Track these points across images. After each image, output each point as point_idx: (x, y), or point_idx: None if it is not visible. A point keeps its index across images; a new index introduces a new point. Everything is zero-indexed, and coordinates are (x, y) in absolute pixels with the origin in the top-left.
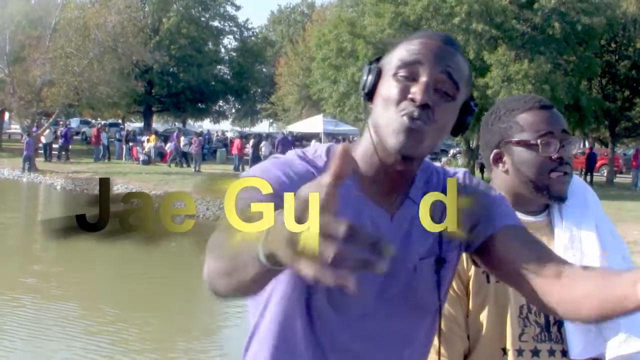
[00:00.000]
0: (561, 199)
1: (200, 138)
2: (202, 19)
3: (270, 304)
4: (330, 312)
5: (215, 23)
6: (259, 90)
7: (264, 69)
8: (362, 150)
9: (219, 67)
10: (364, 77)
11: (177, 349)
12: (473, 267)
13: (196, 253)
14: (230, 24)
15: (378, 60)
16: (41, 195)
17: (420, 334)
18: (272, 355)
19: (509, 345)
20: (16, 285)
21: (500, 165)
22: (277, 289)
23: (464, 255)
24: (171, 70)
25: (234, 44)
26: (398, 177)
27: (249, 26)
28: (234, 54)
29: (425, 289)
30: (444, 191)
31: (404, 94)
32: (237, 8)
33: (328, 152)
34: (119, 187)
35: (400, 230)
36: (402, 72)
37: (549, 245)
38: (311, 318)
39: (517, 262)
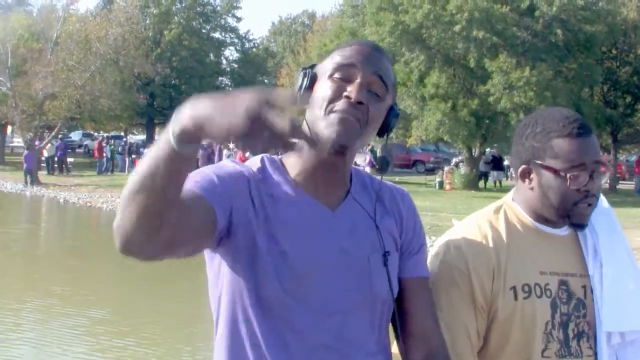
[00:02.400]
0: (581, 227)
1: (205, 151)
2: (204, 30)
3: (222, 301)
4: (290, 303)
5: (217, 34)
6: None
7: (265, 80)
8: (304, 155)
9: (221, 78)
10: (300, 81)
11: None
12: (502, 283)
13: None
14: (232, 36)
15: (313, 67)
16: (44, 208)
17: (376, 332)
18: (228, 351)
19: None
20: (21, 295)
21: (527, 181)
22: (226, 286)
23: (489, 269)
24: (173, 82)
25: (236, 55)
26: (335, 174)
27: (250, 37)
28: (236, 66)
29: (378, 281)
30: (379, 194)
31: (339, 93)
32: (238, 19)
33: (262, 160)
34: None
35: (344, 222)
36: (337, 74)
37: (574, 258)
38: (264, 310)
39: (411, 315)
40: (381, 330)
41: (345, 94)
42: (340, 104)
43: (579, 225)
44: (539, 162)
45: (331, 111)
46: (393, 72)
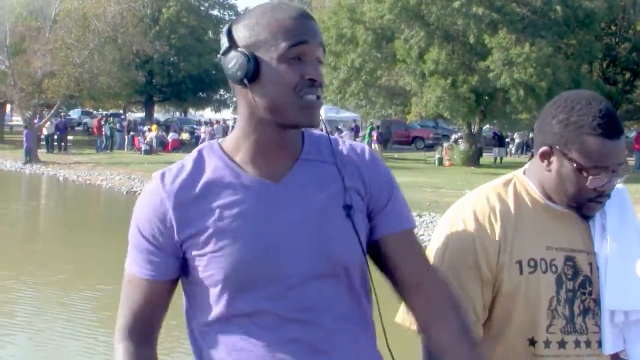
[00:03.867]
0: (588, 218)
1: (210, 127)
2: (202, 8)
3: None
4: (250, 285)
5: (215, 12)
6: None
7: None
8: (241, 131)
9: (219, 55)
10: (241, 62)
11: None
12: (507, 257)
13: None
14: (230, 13)
15: (230, 32)
16: (44, 186)
17: (344, 297)
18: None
19: (536, 337)
20: (21, 272)
21: (546, 162)
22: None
23: (495, 242)
24: (171, 59)
25: None
26: (282, 145)
27: None
28: None
29: (339, 245)
30: (339, 154)
31: (299, 75)
32: None
33: (200, 151)
34: (121, 177)
35: (291, 190)
36: (291, 55)
37: (582, 235)
38: (229, 297)
39: (399, 270)
40: (354, 295)
41: (307, 77)
42: (306, 89)
43: (586, 216)
44: (564, 152)
45: (299, 96)
46: (391, 49)
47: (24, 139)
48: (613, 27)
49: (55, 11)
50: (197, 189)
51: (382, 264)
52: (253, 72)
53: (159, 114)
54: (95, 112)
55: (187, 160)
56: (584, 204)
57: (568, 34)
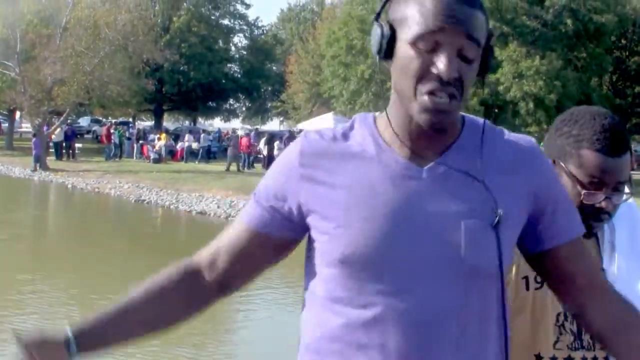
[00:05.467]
0: (590, 234)
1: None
2: (212, 17)
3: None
4: (367, 274)
5: (226, 21)
6: (270, 89)
7: (274, 67)
8: (392, 105)
9: (230, 65)
10: (378, 38)
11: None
12: (513, 273)
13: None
14: (241, 22)
15: (385, 4)
16: (52, 194)
17: (474, 304)
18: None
19: (543, 353)
20: (25, 285)
21: None
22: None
23: None
24: (181, 68)
25: (244, 42)
26: (435, 134)
27: (259, 24)
28: (244, 52)
29: (475, 251)
30: (498, 147)
31: (426, 68)
32: (247, 6)
33: (354, 119)
34: (130, 186)
35: (434, 180)
36: (421, 44)
37: (591, 251)
38: (346, 275)
39: (577, 279)
40: (488, 303)
41: (435, 71)
42: (430, 85)
43: (588, 233)
44: (563, 164)
45: (421, 92)
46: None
47: (33, 146)
48: (623, 41)
49: (66, 19)
50: (336, 156)
51: (548, 274)
52: (386, 49)
53: (168, 123)
54: (104, 120)
55: (338, 126)
56: (583, 222)
57: (578, 47)
